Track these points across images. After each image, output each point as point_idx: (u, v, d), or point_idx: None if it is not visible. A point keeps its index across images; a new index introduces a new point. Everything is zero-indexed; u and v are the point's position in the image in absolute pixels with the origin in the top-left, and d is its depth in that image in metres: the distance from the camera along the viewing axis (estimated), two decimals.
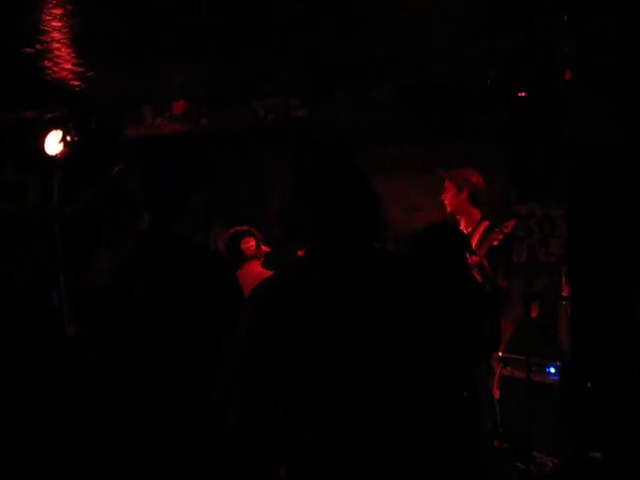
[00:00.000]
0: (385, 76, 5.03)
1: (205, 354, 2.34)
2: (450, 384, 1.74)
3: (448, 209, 4.56)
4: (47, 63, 4.81)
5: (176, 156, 2.58)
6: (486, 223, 4.47)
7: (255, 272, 4.42)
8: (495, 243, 4.19)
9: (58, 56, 4.68)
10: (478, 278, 4.09)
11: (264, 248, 4.75)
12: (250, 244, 4.64)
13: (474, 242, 4.34)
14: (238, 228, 4.67)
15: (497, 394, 4.42)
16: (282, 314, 1.72)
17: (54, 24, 4.07)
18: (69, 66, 4.90)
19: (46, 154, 5.46)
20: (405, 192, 5.39)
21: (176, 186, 2.50)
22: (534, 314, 4.51)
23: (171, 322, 2.33)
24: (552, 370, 4.48)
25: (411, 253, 3.04)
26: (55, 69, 4.95)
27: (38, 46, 4.42)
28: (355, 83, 5.24)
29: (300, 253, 2.01)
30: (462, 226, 4.54)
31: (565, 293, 4.49)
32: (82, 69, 4.98)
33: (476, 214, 4.54)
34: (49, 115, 5.56)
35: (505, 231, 4.21)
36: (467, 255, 3.43)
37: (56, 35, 4.24)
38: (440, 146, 5.33)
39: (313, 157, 1.87)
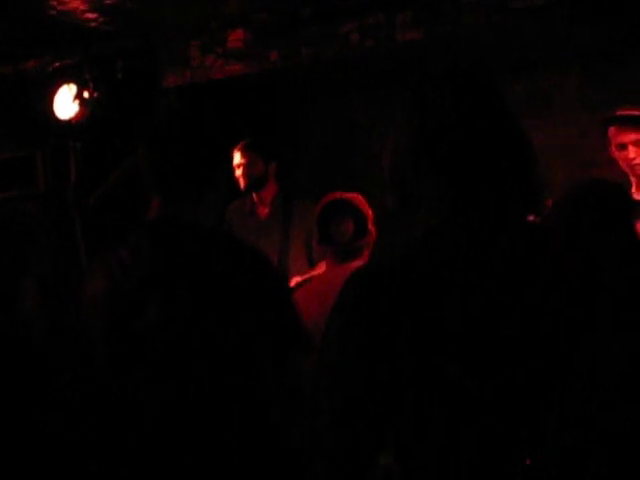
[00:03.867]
0: None
1: (248, 393, 2.35)
2: None
3: (637, 168, 4.24)
4: None
5: (233, 106, 2.63)
6: None
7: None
8: None
9: None
10: None
11: (372, 231, 3.95)
12: (346, 227, 3.90)
13: None
14: (330, 199, 3.95)
15: None
16: (401, 307, 1.66)
17: None
18: None
19: (57, 119, 5.37)
20: (574, 139, 5.30)
21: (199, 155, 2.45)
22: None
23: (199, 357, 2.31)
24: None
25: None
26: None
27: None
28: None
29: None
30: (633, 189, 4.29)
31: None
32: None
33: None
34: (57, 64, 5.48)
35: None
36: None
37: None
38: (624, 70, 5.21)
39: (439, 93, 1.77)
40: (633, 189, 4.30)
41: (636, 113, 4.23)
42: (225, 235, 2.55)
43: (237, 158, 4.91)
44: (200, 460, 2.32)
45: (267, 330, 2.36)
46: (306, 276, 4.25)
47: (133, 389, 2.36)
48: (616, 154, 4.24)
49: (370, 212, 4.05)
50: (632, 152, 4.20)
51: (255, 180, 4.95)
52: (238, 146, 4.91)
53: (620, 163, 4.26)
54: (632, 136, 4.20)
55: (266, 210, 5.02)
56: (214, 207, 2.51)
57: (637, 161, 4.21)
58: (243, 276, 2.36)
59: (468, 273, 1.68)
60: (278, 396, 2.41)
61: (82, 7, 5.03)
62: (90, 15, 5.17)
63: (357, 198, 4.08)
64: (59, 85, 5.39)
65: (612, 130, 4.24)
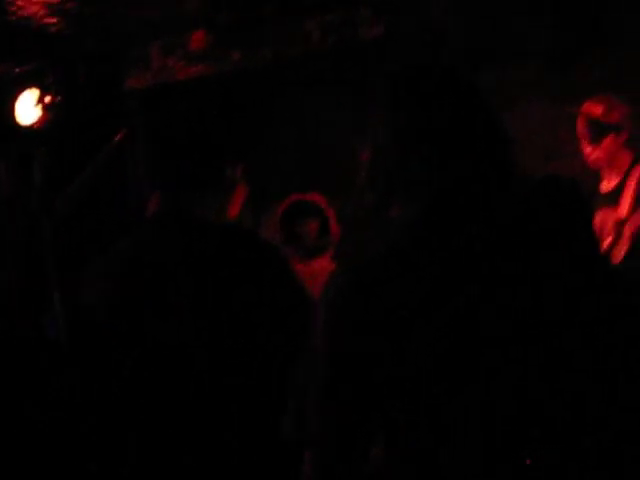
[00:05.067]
0: None
1: (255, 385, 2.32)
2: None
3: (597, 160, 4.29)
4: None
5: (197, 109, 2.59)
6: None
7: (319, 271, 3.74)
8: None
9: None
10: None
11: (335, 230, 4.02)
12: (310, 227, 3.96)
13: (627, 198, 4.13)
14: (293, 198, 4.01)
15: None
16: (396, 304, 1.65)
17: None
18: None
19: (19, 125, 5.30)
20: (535, 131, 5.27)
21: (199, 152, 2.49)
22: None
23: (211, 349, 2.28)
24: None
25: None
26: (20, 3, 4.89)
27: None
28: None
29: None
30: (605, 180, 4.33)
31: None
32: None
33: (626, 158, 4.26)
34: (17, 69, 5.40)
35: None
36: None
37: None
38: (585, 61, 5.19)
39: (419, 82, 1.82)
40: (605, 179, 4.30)
41: (598, 112, 4.19)
42: (232, 228, 2.58)
43: None
44: (199, 459, 2.31)
45: (281, 325, 2.35)
46: None
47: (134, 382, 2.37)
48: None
49: (332, 211, 4.13)
50: (585, 147, 4.23)
51: None
52: None
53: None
54: (583, 132, 4.22)
55: (236, 211, 5.01)
56: (214, 201, 2.57)
57: (592, 157, 4.21)
58: (257, 269, 2.36)
59: (456, 270, 1.67)
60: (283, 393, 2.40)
61: (42, 12, 4.99)
62: (50, 20, 5.14)
63: (318, 198, 4.16)
64: (21, 90, 5.30)
65: (580, 123, 4.26)
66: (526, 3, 4.93)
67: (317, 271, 3.82)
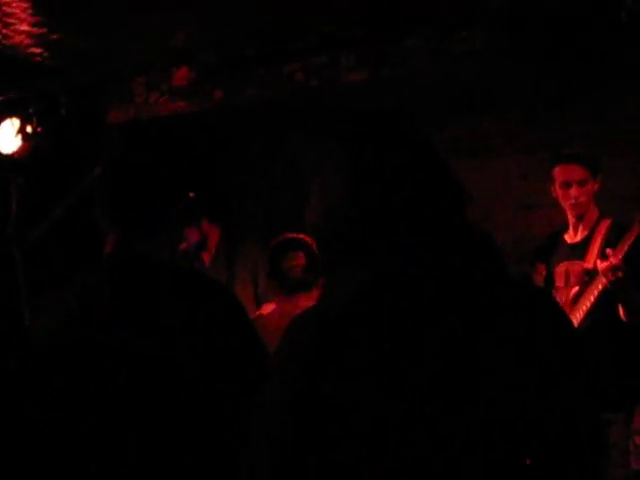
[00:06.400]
0: (478, 13, 4.93)
1: (207, 432, 2.29)
2: None
3: (580, 205, 4.32)
4: None
5: (177, 145, 2.57)
6: (607, 222, 4.29)
7: (303, 307, 3.73)
8: None
9: (9, 14, 4.65)
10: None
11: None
12: (297, 262, 4.01)
13: (594, 251, 4.24)
14: (284, 237, 4.09)
15: None
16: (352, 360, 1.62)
17: None
18: (25, 27, 4.86)
19: None
20: (514, 181, 5.31)
21: (154, 191, 2.47)
22: None
23: (160, 395, 2.28)
24: None
25: None
26: (5, 32, 4.92)
27: None
28: (434, 24, 5.03)
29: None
30: (570, 232, 4.43)
31: None
32: (44, 30, 4.93)
33: (594, 213, 4.36)
34: (0, 98, 5.47)
35: None
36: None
37: None
38: (562, 113, 5.26)
39: (381, 136, 1.79)
40: (569, 231, 4.38)
41: (583, 151, 4.31)
42: (185, 270, 2.56)
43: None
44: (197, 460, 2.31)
45: (236, 365, 2.35)
46: (254, 316, 4.34)
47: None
48: (559, 193, 4.31)
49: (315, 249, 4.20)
50: (575, 190, 4.25)
51: (196, 247, 5.00)
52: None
53: (562, 202, 4.33)
54: (577, 174, 4.26)
55: (210, 254, 5.08)
56: (168, 243, 2.54)
57: (580, 200, 4.26)
58: (208, 311, 2.37)
59: (409, 338, 1.62)
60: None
61: (27, 42, 5.03)
62: (35, 50, 5.17)
63: (309, 239, 4.23)
64: (2, 119, 5.39)
65: (558, 169, 4.30)
66: (508, 56, 4.99)
67: (301, 307, 3.82)
